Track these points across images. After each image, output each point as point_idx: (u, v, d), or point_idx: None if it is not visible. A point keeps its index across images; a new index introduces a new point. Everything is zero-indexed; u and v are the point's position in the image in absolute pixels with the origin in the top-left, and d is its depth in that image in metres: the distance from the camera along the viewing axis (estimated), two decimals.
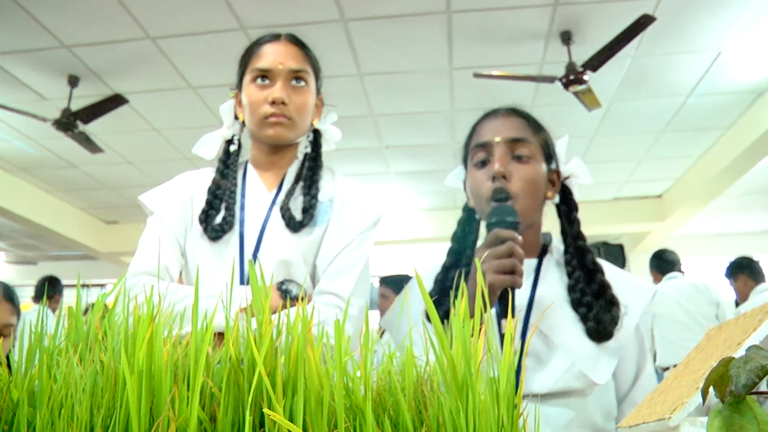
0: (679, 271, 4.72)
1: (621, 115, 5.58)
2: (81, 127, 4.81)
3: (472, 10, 3.97)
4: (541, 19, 4.07)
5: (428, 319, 1.20)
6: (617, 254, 7.72)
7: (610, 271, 1.29)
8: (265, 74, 1.38)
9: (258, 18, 3.98)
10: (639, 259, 8.82)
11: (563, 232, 1.33)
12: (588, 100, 4.51)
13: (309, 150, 1.47)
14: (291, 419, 0.50)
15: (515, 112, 1.31)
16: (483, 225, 1.28)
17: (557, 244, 1.35)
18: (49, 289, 5.11)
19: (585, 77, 4.21)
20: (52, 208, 7.57)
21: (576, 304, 1.21)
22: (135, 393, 0.51)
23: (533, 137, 1.27)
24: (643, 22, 3.74)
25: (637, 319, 1.23)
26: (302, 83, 1.39)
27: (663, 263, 4.82)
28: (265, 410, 0.47)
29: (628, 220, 8.14)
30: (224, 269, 1.31)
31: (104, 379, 0.57)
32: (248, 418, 0.48)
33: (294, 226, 1.33)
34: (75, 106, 4.69)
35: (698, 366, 0.90)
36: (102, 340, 0.65)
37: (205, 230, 1.35)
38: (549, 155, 1.30)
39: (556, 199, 1.35)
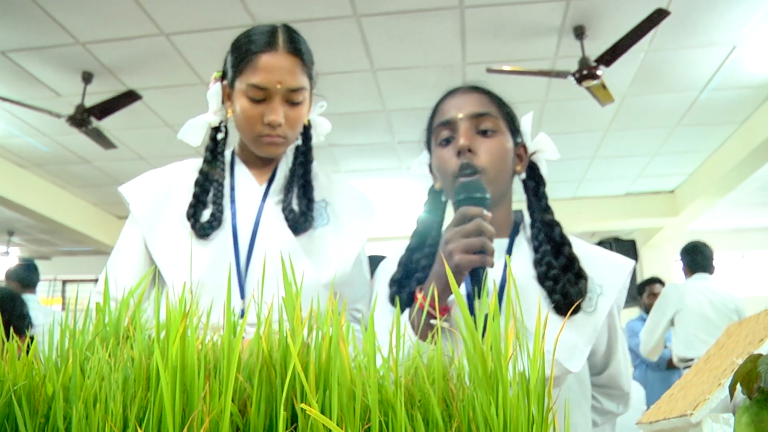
0: (711, 269, 4.58)
1: (634, 109, 5.55)
2: (95, 123, 4.84)
3: (484, 5, 3.96)
4: (554, 14, 4.06)
5: (392, 302, 1.21)
6: (629, 249, 7.67)
7: (584, 247, 1.25)
8: (260, 90, 1.27)
9: (271, 14, 3.98)
10: (651, 255, 8.78)
11: (530, 207, 1.30)
12: (601, 94, 4.49)
13: (300, 143, 1.40)
14: (323, 415, 0.51)
15: (476, 88, 1.28)
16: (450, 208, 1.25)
17: (528, 222, 1.31)
18: (31, 275, 4.63)
19: (598, 72, 4.19)
20: (65, 204, 7.62)
21: (542, 278, 1.16)
22: (169, 388, 0.52)
23: (496, 111, 1.24)
24: (656, 17, 3.73)
25: (613, 300, 1.17)
26: (299, 99, 1.30)
27: (698, 259, 4.56)
28: (303, 405, 0.47)
29: (640, 216, 8.10)
30: (215, 267, 1.23)
31: (135, 374, 0.58)
32: (282, 414, 0.49)
33: (298, 228, 1.29)
34: (89, 103, 4.72)
35: (719, 362, 0.90)
36: (132, 335, 0.66)
37: (193, 227, 1.26)
38: (514, 129, 1.28)
39: (523, 174, 1.32)
